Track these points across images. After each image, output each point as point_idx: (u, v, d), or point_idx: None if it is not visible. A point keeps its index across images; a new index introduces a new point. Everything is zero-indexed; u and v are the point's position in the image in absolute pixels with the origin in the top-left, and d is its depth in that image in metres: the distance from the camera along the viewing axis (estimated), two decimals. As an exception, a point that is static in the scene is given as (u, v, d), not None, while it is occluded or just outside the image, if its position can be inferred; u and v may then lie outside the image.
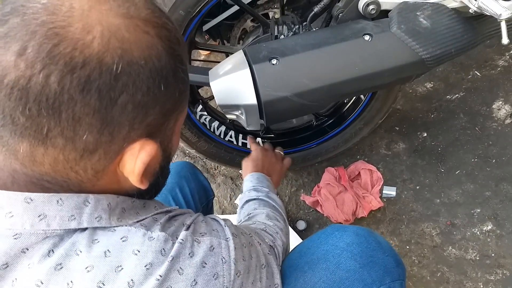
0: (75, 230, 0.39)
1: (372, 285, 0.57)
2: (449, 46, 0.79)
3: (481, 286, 1.10)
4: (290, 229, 1.24)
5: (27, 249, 0.37)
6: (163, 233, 0.41)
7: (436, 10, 0.79)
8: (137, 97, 0.36)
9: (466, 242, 1.16)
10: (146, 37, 0.37)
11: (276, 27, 0.92)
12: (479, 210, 1.20)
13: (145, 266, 0.38)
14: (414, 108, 1.42)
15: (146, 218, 0.43)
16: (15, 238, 0.36)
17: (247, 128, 0.83)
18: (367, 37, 0.78)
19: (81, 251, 0.37)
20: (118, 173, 0.41)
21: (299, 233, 1.25)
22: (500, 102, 1.36)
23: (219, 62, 0.85)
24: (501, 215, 1.18)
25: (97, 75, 0.33)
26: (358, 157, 1.36)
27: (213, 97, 0.82)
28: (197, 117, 1.12)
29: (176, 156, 1.48)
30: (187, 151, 1.49)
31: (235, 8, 1.02)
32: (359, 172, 1.31)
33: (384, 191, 1.28)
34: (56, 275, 0.36)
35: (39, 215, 0.37)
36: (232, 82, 0.76)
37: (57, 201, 0.38)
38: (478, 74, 1.44)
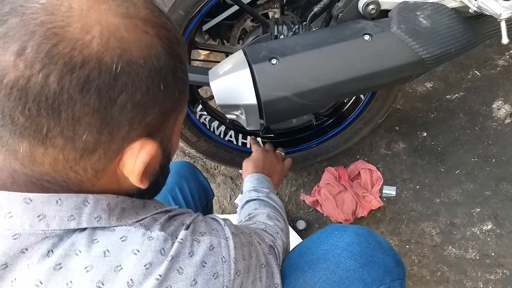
0: (74, 230, 0.39)
1: (372, 285, 0.57)
2: (449, 46, 0.79)
3: (481, 285, 1.10)
4: (290, 229, 1.24)
5: (27, 249, 0.37)
6: (162, 233, 0.41)
7: (436, 10, 0.79)
8: (137, 97, 0.36)
9: (466, 241, 1.16)
10: (145, 37, 0.37)
11: (276, 27, 0.92)
12: (479, 209, 1.20)
13: (144, 266, 0.38)
14: (414, 108, 1.42)
15: (145, 217, 0.43)
16: (14, 239, 0.36)
17: (247, 128, 0.83)
18: (367, 37, 0.78)
19: (80, 251, 0.37)
20: (118, 172, 0.41)
21: (299, 232, 1.25)
22: (500, 102, 1.36)
23: (219, 62, 0.85)
24: (501, 215, 1.18)
25: (96, 74, 0.33)
26: (358, 156, 1.36)
27: (213, 97, 0.82)
28: (197, 117, 1.12)
29: (175, 156, 1.48)
30: (187, 151, 1.49)
31: (235, 8, 1.02)
32: (359, 172, 1.31)
33: (384, 191, 1.28)
34: (56, 275, 0.36)
35: (39, 215, 0.37)
36: (232, 82, 0.76)
37: (57, 201, 0.38)
38: (478, 73, 1.44)
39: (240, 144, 1.22)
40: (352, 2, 0.81)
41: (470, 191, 1.23)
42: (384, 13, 0.82)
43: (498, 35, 0.76)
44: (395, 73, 0.80)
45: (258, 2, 1.05)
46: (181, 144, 1.12)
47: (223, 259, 0.44)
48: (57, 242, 0.38)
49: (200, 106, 1.12)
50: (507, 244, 1.13)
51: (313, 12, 0.88)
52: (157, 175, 0.45)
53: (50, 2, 0.34)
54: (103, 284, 0.37)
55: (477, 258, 1.13)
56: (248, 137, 1.23)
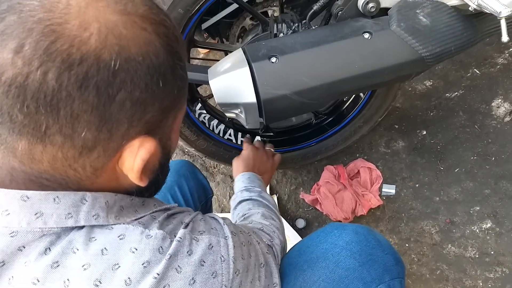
0: (72, 228, 0.38)
1: (372, 283, 0.57)
2: (448, 44, 0.79)
3: (481, 284, 1.10)
4: (290, 228, 1.24)
5: (24, 247, 0.36)
6: (161, 231, 0.41)
7: (436, 8, 0.78)
8: (135, 94, 0.36)
9: (466, 240, 1.16)
10: (144, 34, 0.37)
11: (275, 25, 0.92)
12: (478, 208, 1.20)
13: (142, 264, 0.38)
14: (413, 106, 1.42)
15: (144, 216, 0.43)
16: (11, 236, 0.36)
17: (247, 127, 0.83)
18: (366, 35, 0.77)
19: (78, 249, 0.37)
20: (117, 170, 0.41)
21: (299, 231, 1.25)
22: (500, 100, 1.36)
23: (218, 60, 0.85)
24: (501, 213, 1.18)
25: (94, 71, 0.33)
26: (358, 155, 1.36)
27: (212, 96, 0.81)
28: (196, 116, 1.12)
29: (175, 155, 1.47)
30: (186, 150, 1.49)
31: (234, 6, 1.01)
32: (359, 170, 1.31)
33: (383, 189, 1.28)
34: (53, 273, 0.36)
35: (36, 213, 0.37)
36: (231, 81, 0.76)
37: (54, 199, 0.38)
38: (478, 72, 1.44)
39: (239, 142, 1.22)
40: (351, 0, 0.81)
41: (470, 190, 1.23)
42: (384, 11, 0.82)
43: (498, 33, 0.76)
44: (394, 71, 0.80)
45: (257, 0, 1.04)
46: (181, 142, 1.12)
47: (222, 258, 0.43)
48: (54, 240, 0.37)
49: (200, 105, 1.12)
50: (507, 242, 1.14)
51: (312, 10, 0.88)
52: (156, 173, 0.45)
53: None
54: (100, 283, 0.37)
55: (477, 256, 1.13)
56: (248, 136, 1.23)
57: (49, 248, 0.37)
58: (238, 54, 0.78)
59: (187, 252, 0.41)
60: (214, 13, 1.04)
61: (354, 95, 1.19)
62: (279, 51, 0.76)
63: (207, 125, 1.15)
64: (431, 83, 1.45)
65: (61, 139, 0.35)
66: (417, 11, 0.78)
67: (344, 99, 1.23)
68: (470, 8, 0.74)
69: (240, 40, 1.11)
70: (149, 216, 0.43)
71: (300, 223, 1.26)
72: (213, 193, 1.02)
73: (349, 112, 1.21)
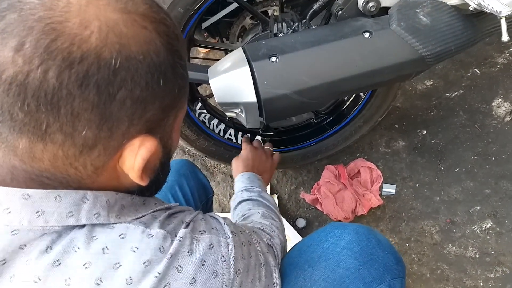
0: (73, 227, 0.38)
1: (372, 283, 0.57)
2: (449, 43, 0.79)
3: (481, 283, 1.10)
4: (290, 227, 1.24)
5: (25, 245, 0.36)
6: (162, 231, 0.41)
7: (436, 8, 0.78)
8: (136, 93, 0.36)
9: (466, 239, 1.16)
10: (144, 32, 0.36)
11: (275, 24, 0.92)
12: (478, 207, 1.20)
13: (143, 263, 0.38)
14: (413, 106, 1.42)
15: (145, 215, 0.43)
16: (13, 234, 0.36)
17: (247, 126, 0.83)
18: (366, 35, 0.77)
19: (79, 248, 0.37)
20: (118, 169, 0.41)
21: (299, 231, 1.25)
22: (500, 100, 1.36)
23: (218, 59, 0.85)
24: (501, 213, 1.18)
25: (95, 70, 0.33)
26: (358, 154, 1.36)
27: (213, 95, 0.81)
28: (197, 115, 1.12)
29: (175, 154, 1.47)
30: (187, 149, 1.49)
31: (234, 5, 1.01)
32: (359, 170, 1.31)
33: (383, 189, 1.28)
34: (54, 271, 0.36)
35: (37, 212, 0.37)
36: (231, 80, 0.76)
37: (55, 198, 0.38)
38: (478, 71, 1.44)
39: (239, 142, 1.22)
40: (352, 0, 0.81)
41: (470, 189, 1.23)
42: (384, 11, 0.82)
43: (498, 32, 0.76)
44: (395, 71, 0.80)
45: (257, 0, 1.04)
46: (181, 142, 1.12)
47: (222, 258, 0.44)
48: (55, 239, 0.37)
49: (200, 104, 1.12)
50: (507, 242, 1.13)
51: (312, 9, 0.88)
52: (157, 172, 0.45)
53: None
54: (101, 281, 0.37)
55: (477, 256, 1.13)
56: (248, 135, 1.23)
57: (51, 247, 0.37)
58: (238, 54, 0.78)
59: (188, 251, 0.41)
60: (214, 12, 1.04)
61: (354, 95, 1.19)
62: (279, 50, 0.76)
63: (207, 124, 1.15)
64: (431, 82, 1.45)
65: (61, 138, 0.35)
66: (417, 10, 0.78)
67: (344, 99, 1.23)
68: (470, 8, 0.74)
69: (240, 39, 1.11)
70: (150, 215, 0.43)
71: (301, 222, 1.26)
72: (214, 193, 1.02)
73: (349, 111, 1.21)
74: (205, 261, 0.42)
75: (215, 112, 1.18)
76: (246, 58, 0.76)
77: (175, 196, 0.87)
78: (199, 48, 1.72)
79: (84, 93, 0.33)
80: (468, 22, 0.79)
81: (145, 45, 0.36)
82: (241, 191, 0.84)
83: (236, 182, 0.90)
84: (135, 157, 0.39)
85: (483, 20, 0.82)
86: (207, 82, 0.79)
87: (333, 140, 1.25)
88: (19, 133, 0.34)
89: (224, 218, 0.50)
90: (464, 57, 1.47)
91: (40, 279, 0.36)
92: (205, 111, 1.14)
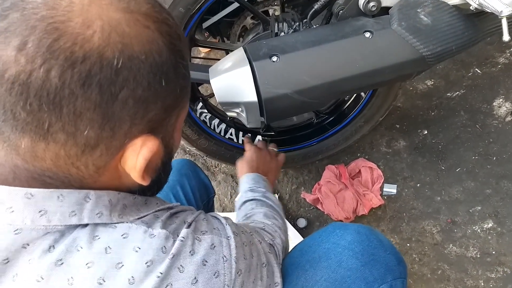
0: (76, 226, 0.39)
1: (374, 283, 0.57)
2: (449, 43, 0.79)
3: (482, 283, 1.10)
4: (291, 227, 1.24)
5: (28, 245, 0.36)
6: (164, 231, 0.41)
7: (437, 7, 0.78)
8: (138, 92, 0.36)
9: (467, 239, 1.16)
10: (147, 32, 0.37)
11: (276, 24, 0.92)
12: (479, 207, 1.20)
13: (145, 263, 0.38)
14: (414, 106, 1.42)
15: (147, 214, 0.43)
16: (15, 234, 0.36)
17: (248, 126, 0.83)
18: (367, 34, 0.77)
19: (81, 247, 0.37)
20: (119, 169, 0.41)
21: (300, 231, 1.25)
22: (501, 100, 1.36)
23: (219, 59, 0.85)
24: (502, 213, 1.18)
25: (97, 69, 0.33)
26: (359, 154, 1.36)
27: (213, 95, 0.81)
28: (198, 115, 1.12)
29: (176, 154, 1.47)
30: (188, 149, 1.49)
31: (235, 5, 1.01)
32: (360, 170, 1.31)
33: (384, 189, 1.28)
34: (57, 270, 0.36)
35: (40, 211, 0.37)
36: (232, 80, 0.76)
37: (58, 197, 0.38)
38: (479, 71, 1.43)
39: (240, 142, 1.22)
40: (352, 0, 0.81)
41: (471, 189, 1.23)
42: (385, 10, 0.82)
43: (499, 32, 0.76)
44: (395, 71, 0.80)
45: (258, 0, 1.04)
46: (182, 142, 1.12)
47: (224, 258, 0.44)
48: (58, 238, 0.37)
49: (201, 104, 1.12)
50: (508, 242, 1.13)
51: (313, 9, 0.88)
52: (159, 172, 0.45)
53: None
54: (104, 281, 0.37)
55: (478, 256, 1.13)
56: (249, 135, 1.23)
57: (53, 246, 0.37)
58: (239, 53, 0.78)
59: (190, 252, 0.41)
60: (215, 12, 1.04)
61: (355, 95, 1.19)
62: (280, 50, 0.76)
63: (208, 124, 1.15)
64: (432, 82, 1.45)
65: (63, 137, 0.35)
66: (418, 10, 0.78)
67: (345, 99, 1.23)
68: (471, 8, 0.74)
69: (241, 39, 1.11)
70: (152, 215, 0.43)
71: (301, 222, 1.26)
72: (215, 193, 1.02)
73: (350, 111, 1.21)
74: (206, 261, 0.42)
75: (216, 112, 1.18)
76: (247, 58, 0.76)
77: (176, 195, 0.87)
78: (200, 48, 1.72)
79: (87, 92, 0.33)
80: (469, 22, 0.79)
81: (147, 44, 0.36)
82: (246, 191, 0.84)
83: (241, 183, 0.91)
84: (137, 157, 0.39)
85: (484, 20, 0.82)
86: (208, 82, 0.79)
87: (334, 140, 1.25)
88: (21, 132, 0.34)
89: (225, 218, 0.50)
90: (465, 57, 1.46)
91: (43, 278, 0.36)
92: (206, 110, 1.14)
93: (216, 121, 1.16)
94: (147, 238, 0.40)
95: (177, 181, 0.89)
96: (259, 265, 0.52)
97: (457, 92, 1.41)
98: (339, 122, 1.23)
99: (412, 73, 0.85)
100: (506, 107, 1.34)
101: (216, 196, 1.36)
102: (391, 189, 1.28)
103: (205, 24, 1.06)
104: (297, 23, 0.92)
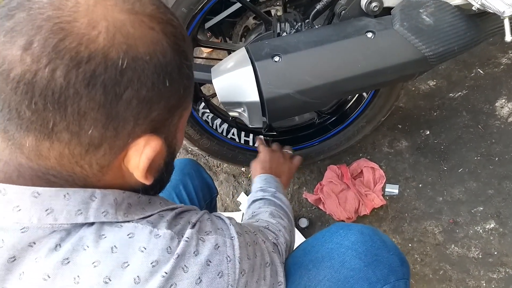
0: (82, 225, 0.39)
1: (377, 284, 0.57)
2: (452, 43, 0.78)
3: (484, 284, 1.09)
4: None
5: (34, 243, 0.37)
6: (169, 231, 0.41)
7: (439, 8, 0.78)
8: (142, 93, 0.36)
9: (469, 240, 1.16)
10: (151, 33, 0.37)
11: (278, 24, 0.92)
12: (481, 208, 1.20)
13: (151, 263, 0.38)
14: (416, 106, 1.42)
15: (152, 214, 0.43)
16: (22, 232, 0.36)
17: (250, 126, 0.83)
18: (369, 35, 0.77)
19: (88, 246, 0.38)
20: (123, 168, 0.41)
21: (301, 231, 1.25)
22: (503, 100, 1.35)
23: (221, 59, 0.85)
24: (504, 213, 1.17)
25: (102, 70, 0.33)
26: (361, 155, 1.36)
27: (216, 95, 0.82)
28: (200, 115, 1.12)
29: (178, 154, 1.48)
30: (190, 149, 1.49)
31: (237, 5, 1.02)
32: (362, 170, 1.31)
33: (386, 189, 1.28)
34: (63, 269, 0.37)
35: (46, 209, 0.37)
36: (234, 80, 0.76)
37: (64, 196, 0.38)
38: (481, 72, 1.43)
39: (242, 142, 1.22)
40: (354, 0, 0.81)
41: (473, 190, 1.23)
42: (387, 11, 0.82)
43: (502, 32, 0.76)
44: (398, 71, 0.80)
45: (260, 0, 1.04)
46: (184, 141, 1.12)
47: (228, 258, 0.44)
48: (65, 237, 0.38)
49: (203, 104, 1.13)
50: (510, 243, 1.13)
51: (315, 9, 0.88)
52: (161, 171, 0.46)
53: None
54: (110, 280, 0.37)
55: (480, 257, 1.13)
56: (251, 135, 1.23)
57: (60, 245, 0.37)
58: (241, 53, 0.78)
59: (194, 252, 0.41)
60: (217, 12, 1.04)
61: (357, 95, 1.19)
62: (282, 50, 0.76)
63: (210, 124, 1.15)
64: (435, 83, 1.45)
65: (68, 136, 0.35)
66: (420, 10, 0.78)
67: (347, 99, 1.23)
68: (473, 8, 0.74)
69: (243, 39, 1.12)
70: (157, 215, 0.44)
71: (303, 222, 1.26)
72: (218, 192, 1.03)
73: (352, 111, 1.21)
74: (210, 262, 0.42)
75: (218, 112, 1.18)
76: (249, 58, 0.76)
77: (179, 195, 0.87)
78: (202, 48, 1.73)
79: (91, 92, 0.33)
80: (471, 22, 0.79)
81: (152, 45, 0.36)
82: (256, 191, 0.85)
83: (253, 183, 0.91)
84: (140, 156, 0.40)
85: (486, 20, 0.82)
86: (210, 82, 0.80)
87: (336, 140, 1.25)
88: (26, 131, 0.34)
89: (229, 218, 0.51)
90: (468, 57, 1.46)
91: (49, 277, 0.36)
92: (208, 110, 1.14)
93: (218, 121, 1.16)
94: (153, 238, 0.40)
95: (180, 181, 0.89)
96: (263, 265, 0.52)
97: (459, 93, 1.41)
98: (341, 122, 1.23)
99: (414, 73, 0.85)
100: (509, 108, 1.33)
101: (218, 196, 1.36)
102: (393, 189, 1.28)
103: (208, 24, 1.07)
104: (299, 24, 0.92)
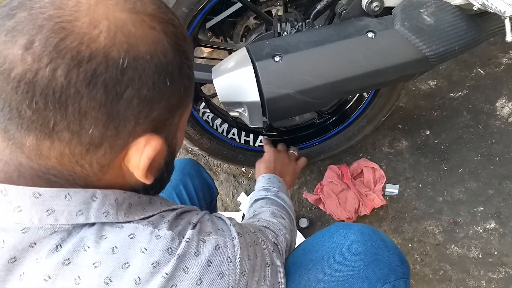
0: (83, 225, 0.39)
1: (377, 283, 0.57)
2: (452, 43, 0.78)
3: (484, 284, 1.09)
4: (293, 227, 1.24)
5: (35, 244, 0.37)
6: (170, 232, 0.41)
7: (440, 7, 0.78)
8: (143, 92, 0.36)
9: (469, 240, 1.16)
10: (152, 33, 0.37)
11: (279, 24, 0.92)
12: (482, 208, 1.19)
13: (151, 264, 0.38)
14: (417, 106, 1.42)
15: (153, 215, 0.43)
16: (23, 233, 0.36)
17: (250, 126, 0.83)
18: (370, 34, 0.77)
19: (89, 247, 0.38)
20: (123, 167, 0.41)
21: (302, 230, 1.25)
22: (504, 100, 1.35)
23: (222, 59, 0.85)
24: (504, 213, 1.17)
25: (103, 69, 0.33)
26: (361, 155, 1.36)
27: (216, 95, 0.82)
28: (200, 115, 1.12)
29: (178, 154, 1.48)
30: (190, 149, 1.49)
31: (238, 5, 1.01)
32: (362, 170, 1.31)
33: (386, 189, 1.28)
34: (64, 270, 0.36)
35: (47, 210, 0.37)
36: (235, 79, 0.76)
37: (65, 196, 0.38)
38: (482, 72, 1.43)
39: (243, 142, 1.22)
40: (355, 0, 0.81)
41: (473, 190, 1.23)
42: (388, 11, 0.82)
43: (502, 33, 0.75)
44: (398, 71, 0.80)
45: (261, 0, 1.04)
46: (184, 141, 1.12)
47: (228, 259, 0.44)
48: (65, 237, 0.38)
49: (203, 104, 1.13)
50: (510, 243, 1.13)
51: (316, 9, 0.88)
52: (162, 171, 0.46)
53: None
54: (110, 281, 0.37)
55: (480, 257, 1.13)
56: (251, 135, 1.23)
57: (60, 245, 0.37)
58: (242, 53, 0.78)
59: (195, 253, 0.41)
60: (218, 12, 1.04)
61: (357, 95, 1.19)
62: (282, 50, 0.76)
63: (210, 124, 1.15)
64: (435, 83, 1.45)
65: (68, 136, 0.35)
66: (421, 10, 0.78)
67: (348, 99, 1.23)
68: (474, 8, 0.74)
69: (244, 39, 1.12)
70: (158, 216, 0.44)
71: (303, 222, 1.26)
72: (218, 192, 1.03)
73: (353, 111, 1.20)
74: (211, 262, 0.42)
75: (219, 112, 1.18)
76: (250, 58, 0.76)
77: (179, 195, 0.87)
78: (203, 48, 1.73)
79: (92, 91, 0.34)
80: (472, 22, 0.79)
81: (153, 45, 0.36)
82: (259, 190, 0.85)
83: (257, 183, 0.91)
84: (141, 155, 0.40)
85: (487, 20, 0.82)
86: (211, 82, 0.80)
87: (336, 140, 1.25)
88: (27, 130, 0.34)
89: (230, 219, 0.51)
90: (468, 57, 1.46)
91: (50, 278, 0.36)
92: (208, 110, 1.14)
93: (218, 121, 1.16)
94: (154, 239, 0.40)
95: (180, 181, 0.89)
96: (263, 265, 0.52)
97: (460, 93, 1.41)
98: (342, 122, 1.23)
99: (415, 73, 0.85)
100: (509, 108, 1.33)
101: (218, 196, 1.36)
102: (393, 189, 1.28)
103: (208, 24, 1.07)
104: (300, 23, 0.92)
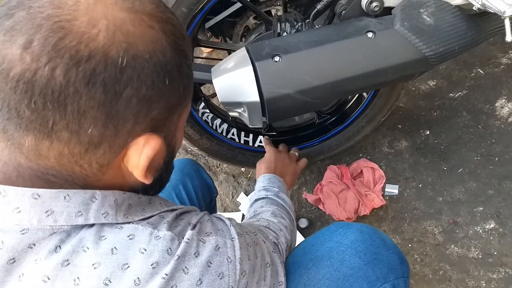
0: (82, 226, 0.39)
1: (376, 282, 0.57)
2: (452, 43, 0.78)
3: (484, 284, 1.09)
4: (293, 227, 1.24)
5: (34, 245, 0.37)
6: (169, 232, 0.41)
7: (440, 7, 0.78)
8: (142, 91, 0.36)
9: (469, 240, 1.16)
10: (151, 32, 0.37)
11: (278, 24, 0.92)
12: (481, 208, 1.19)
13: (151, 265, 0.38)
14: (417, 106, 1.42)
15: (153, 215, 0.43)
16: (22, 234, 0.36)
17: (250, 126, 0.83)
18: (370, 34, 0.77)
19: (88, 248, 0.37)
20: (122, 167, 0.41)
21: (301, 231, 1.25)
22: (503, 100, 1.35)
23: (221, 59, 0.85)
24: (504, 214, 1.17)
25: (102, 68, 0.33)
26: (361, 155, 1.36)
27: (216, 95, 0.81)
28: (200, 115, 1.12)
29: (178, 154, 1.48)
30: (189, 149, 1.49)
31: (238, 5, 1.01)
32: (362, 170, 1.31)
33: (386, 189, 1.28)
34: (63, 271, 0.36)
35: (46, 211, 0.37)
36: (234, 80, 0.76)
37: (64, 197, 0.38)
38: (481, 72, 1.43)
39: (242, 142, 1.22)
40: (355, 0, 0.81)
41: (473, 190, 1.23)
42: (388, 11, 0.82)
43: (502, 33, 0.75)
44: (398, 71, 0.80)
45: (260, 0, 1.04)
46: (184, 141, 1.12)
47: (228, 259, 0.44)
48: (64, 238, 0.38)
49: (203, 104, 1.12)
50: (510, 243, 1.13)
51: (316, 9, 0.88)
52: (161, 170, 0.45)
53: None
54: (110, 282, 0.37)
55: (480, 257, 1.13)
56: (251, 135, 1.23)
57: (59, 246, 0.37)
58: (241, 53, 0.78)
59: (194, 253, 0.41)
60: (217, 12, 1.04)
61: (357, 95, 1.19)
62: (282, 50, 0.76)
63: (210, 124, 1.15)
64: (435, 83, 1.45)
65: (67, 135, 0.35)
66: (421, 10, 0.78)
67: (347, 99, 1.23)
68: (474, 8, 0.74)
69: (243, 39, 1.12)
70: (157, 216, 0.44)
71: (303, 222, 1.26)
72: (218, 192, 1.03)
73: (352, 111, 1.20)
74: (211, 263, 0.42)
75: (218, 112, 1.18)
76: (249, 58, 0.76)
77: (179, 195, 0.87)
78: (202, 48, 1.73)
79: (91, 91, 0.33)
80: (472, 22, 0.79)
81: (151, 44, 0.36)
82: (259, 190, 0.85)
83: (257, 183, 0.92)
84: (140, 155, 0.39)
85: (487, 20, 0.82)
86: (210, 82, 0.80)
87: (336, 140, 1.25)
88: (26, 130, 0.34)
89: (230, 219, 0.51)
90: (468, 57, 1.46)
91: (49, 279, 0.36)
92: (208, 110, 1.14)
93: (218, 121, 1.16)
94: (153, 239, 0.40)
95: (179, 181, 0.89)
96: (263, 266, 0.52)
97: (460, 93, 1.41)
98: (341, 122, 1.23)
99: (414, 73, 0.85)
100: (509, 108, 1.33)
101: (217, 196, 1.36)
102: (393, 189, 1.28)
103: (208, 24, 1.07)
104: (300, 23, 0.92)
